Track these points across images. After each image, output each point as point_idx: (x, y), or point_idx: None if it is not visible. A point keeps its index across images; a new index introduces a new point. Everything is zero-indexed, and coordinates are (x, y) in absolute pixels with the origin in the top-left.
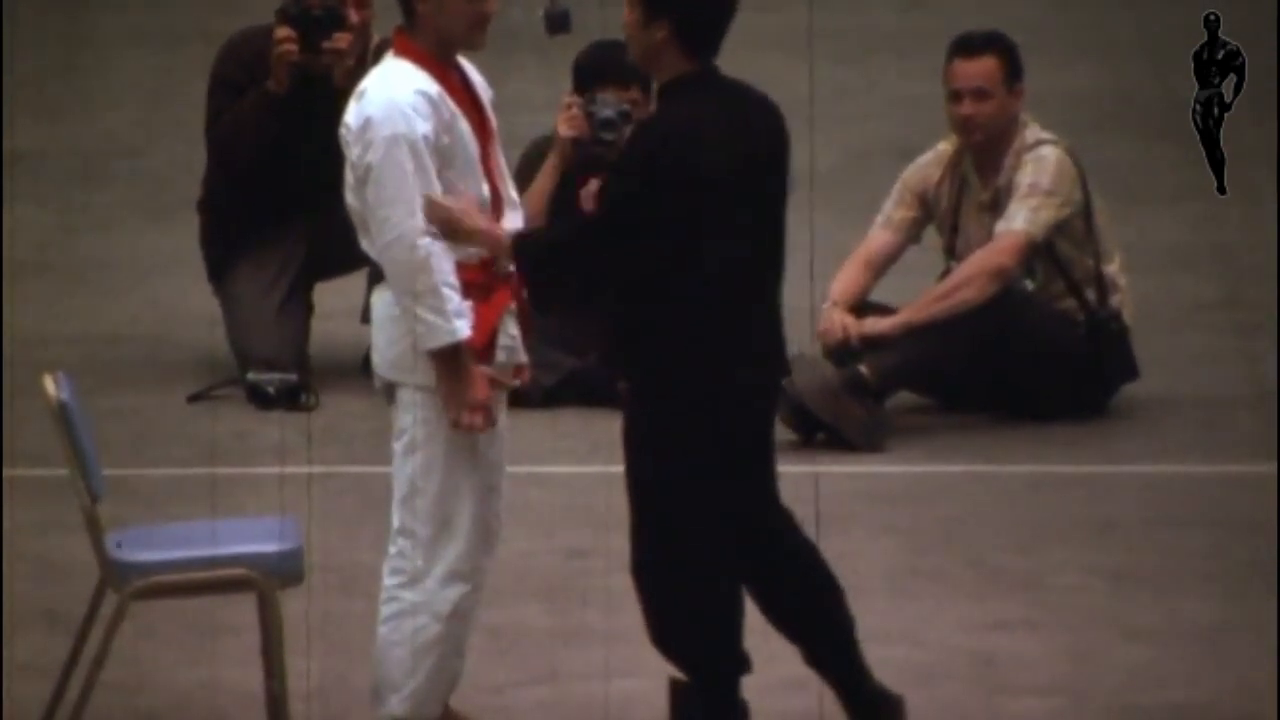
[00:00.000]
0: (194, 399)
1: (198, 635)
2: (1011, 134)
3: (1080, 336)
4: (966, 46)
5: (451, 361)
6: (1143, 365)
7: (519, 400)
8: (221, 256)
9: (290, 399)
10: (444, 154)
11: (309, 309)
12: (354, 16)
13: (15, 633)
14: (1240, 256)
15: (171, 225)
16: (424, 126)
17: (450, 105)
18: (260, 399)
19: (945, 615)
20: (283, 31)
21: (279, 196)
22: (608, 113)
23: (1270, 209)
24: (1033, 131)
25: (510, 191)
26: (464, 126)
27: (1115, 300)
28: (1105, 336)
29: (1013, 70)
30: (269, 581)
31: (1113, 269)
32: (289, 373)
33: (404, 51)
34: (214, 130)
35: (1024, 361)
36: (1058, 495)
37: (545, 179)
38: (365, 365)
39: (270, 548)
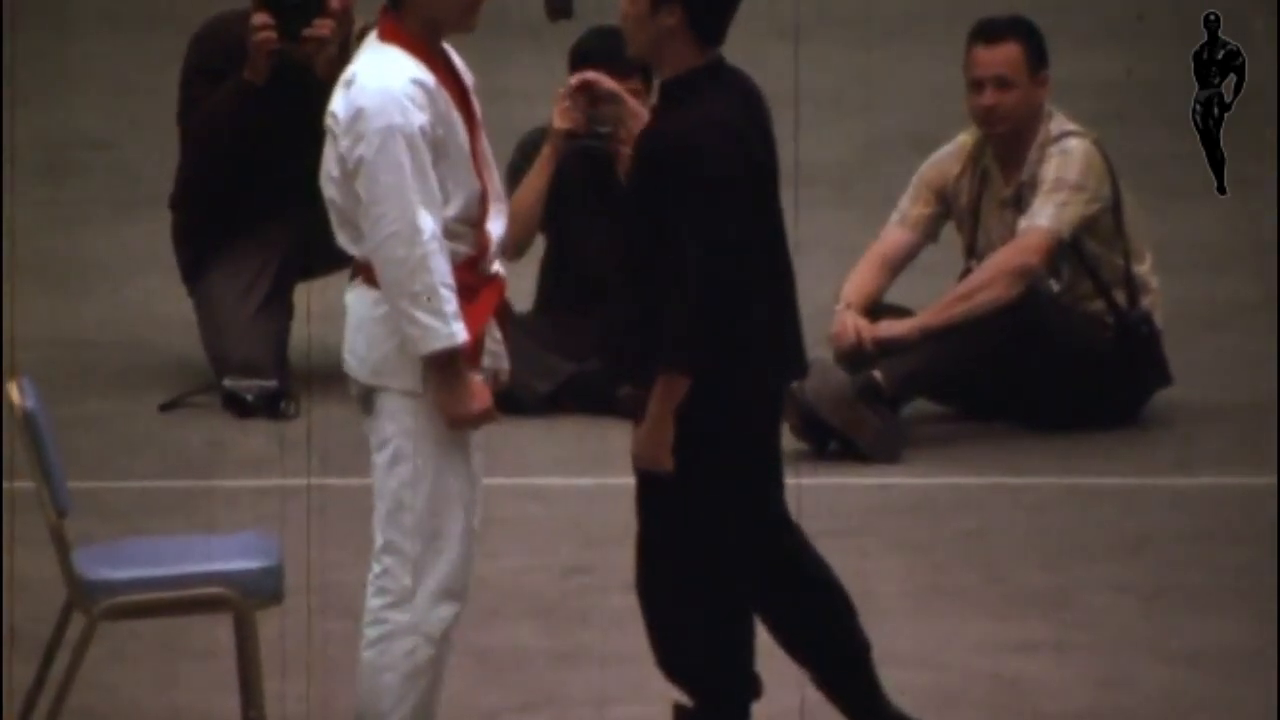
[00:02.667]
0: (166, 407)
1: (170, 658)
2: (1036, 125)
3: (1109, 340)
4: (987, 32)
5: (448, 367)
6: (1176, 371)
7: (513, 407)
8: (196, 255)
9: (269, 407)
10: (438, 146)
11: (289, 311)
12: (335, 2)
13: None
14: None
15: (143, 222)
16: (420, 118)
17: (445, 95)
18: (237, 407)
19: (966, 636)
20: (260, 18)
21: (257, 192)
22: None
23: None
24: (1058, 123)
25: (496, 184)
26: (456, 117)
27: (1146, 302)
28: (1136, 340)
29: (1037, 57)
30: (246, 601)
31: (1143, 269)
32: (268, 379)
33: (391, 36)
34: (188, 121)
35: (1049, 367)
36: (1086, 509)
37: (539, 174)
38: None
39: (248, 565)
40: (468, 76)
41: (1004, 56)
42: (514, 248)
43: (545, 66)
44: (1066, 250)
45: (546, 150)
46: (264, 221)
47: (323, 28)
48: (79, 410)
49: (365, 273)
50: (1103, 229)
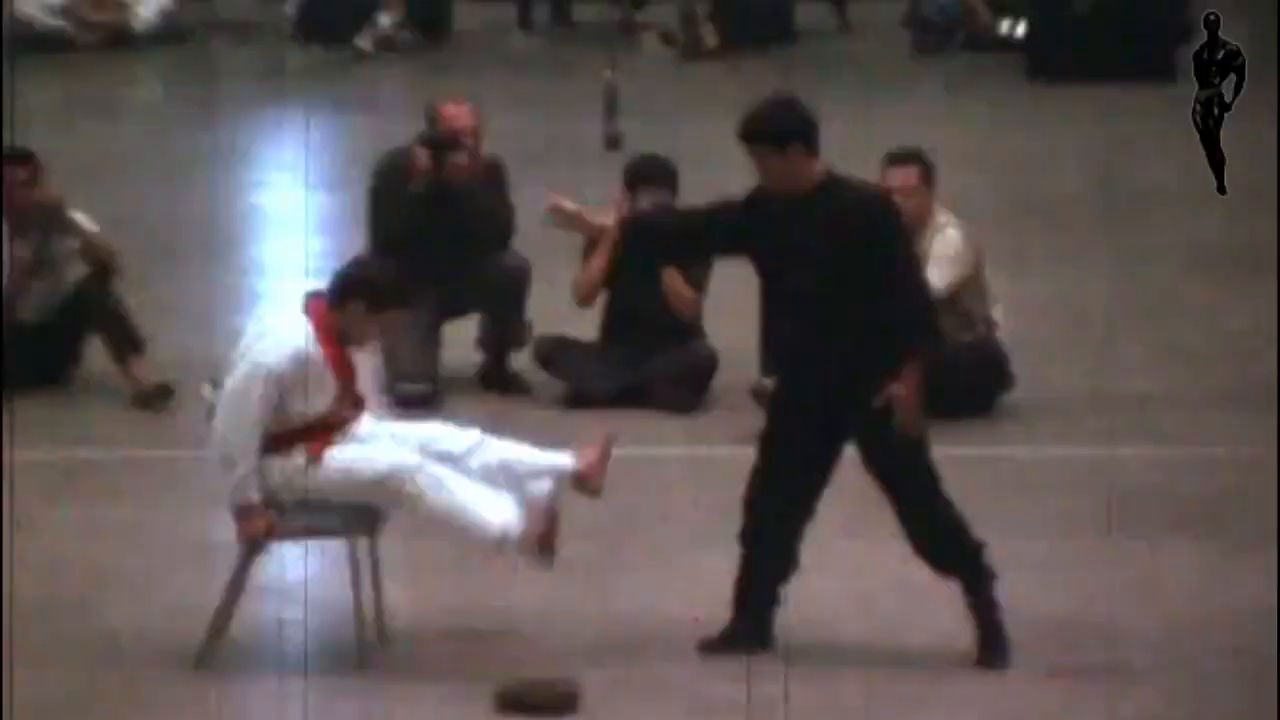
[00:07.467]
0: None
1: None
2: (927, 218)
3: (971, 357)
4: (895, 158)
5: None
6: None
7: (584, 403)
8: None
9: (426, 403)
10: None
11: (439, 339)
12: (469, 141)
13: None
14: None
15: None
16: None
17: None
18: (403, 402)
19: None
20: (421, 152)
21: (417, 264)
22: (646, 205)
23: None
24: (943, 215)
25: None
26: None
27: (997, 333)
28: (990, 358)
29: (929, 175)
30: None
31: (995, 310)
32: (425, 383)
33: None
34: (375, 220)
35: (940, 377)
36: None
37: (601, 255)
38: (481, 381)
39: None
40: None
41: (905, 178)
42: (587, 301)
43: (606, 181)
44: (946, 301)
45: (606, 240)
46: (423, 282)
47: (461, 158)
48: None
49: None
50: (970, 286)
